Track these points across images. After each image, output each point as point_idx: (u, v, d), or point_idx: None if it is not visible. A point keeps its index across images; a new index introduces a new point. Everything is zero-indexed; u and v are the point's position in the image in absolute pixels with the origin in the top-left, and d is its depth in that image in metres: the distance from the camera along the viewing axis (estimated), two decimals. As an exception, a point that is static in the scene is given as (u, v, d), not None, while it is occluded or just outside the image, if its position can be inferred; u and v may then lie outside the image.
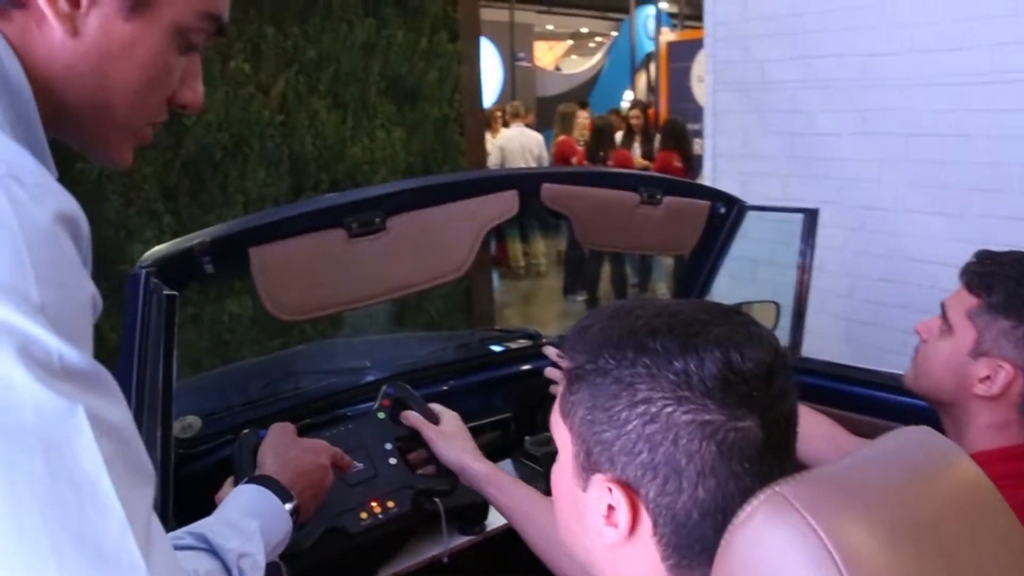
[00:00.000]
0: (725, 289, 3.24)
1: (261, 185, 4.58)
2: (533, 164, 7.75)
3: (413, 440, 1.44)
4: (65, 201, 0.62)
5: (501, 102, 11.72)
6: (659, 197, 1.87)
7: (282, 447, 1.22)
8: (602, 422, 0.74)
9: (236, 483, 1.23)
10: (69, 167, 4.12)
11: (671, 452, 0.71)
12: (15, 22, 0.67)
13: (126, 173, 4.16)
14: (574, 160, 6.89)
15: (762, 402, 0.71)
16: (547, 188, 1.70)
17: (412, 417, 1.42)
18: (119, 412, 0.61)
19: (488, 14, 13.59)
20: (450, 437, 1.39)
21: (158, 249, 1.35)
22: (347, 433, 1.43)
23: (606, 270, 6.93)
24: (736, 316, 0.76)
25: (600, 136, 6.62)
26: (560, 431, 0.80)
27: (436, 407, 1.46)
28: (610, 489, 0.73)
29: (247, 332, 4.32)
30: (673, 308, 0.76)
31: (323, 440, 1.33)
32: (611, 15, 15.66)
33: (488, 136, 8.74)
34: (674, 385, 0.70)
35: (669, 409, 0.70)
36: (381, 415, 1.48)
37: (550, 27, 16.97)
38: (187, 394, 1.83)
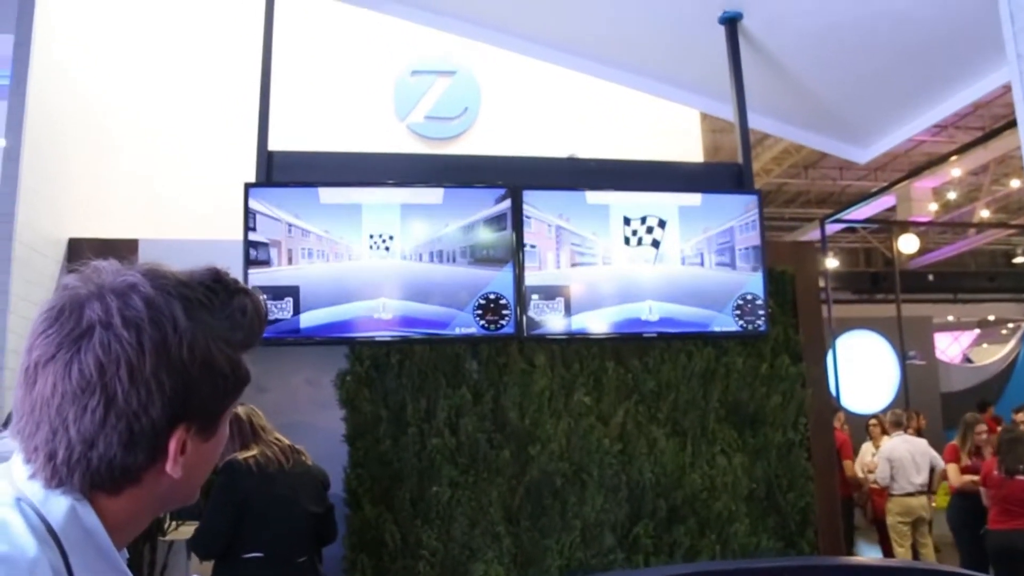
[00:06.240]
0: None
1: (599, 511, 4.73)
2: (926, 471, 7.16)
3: None
4: None
5: (896, 403, 11.07)
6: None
7: None
8: None
9: None
10: (424, 492, 4.58)
11: None
12: (122, 496, 0.88)
13: (474, 497, 4.56)
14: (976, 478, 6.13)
15: None
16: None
17: None
18: None
19: (881, 310, 13.21)
20: None
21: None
22: None
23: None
24: None
25: (1014, 449, 5.64)
26: None
27: None
28: None
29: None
30: None
31: None
32: (1022, 296, 14.40)
33: (869, 447, 8.25)
34: None
35: None
36: None
37: (950, 318, 15.93)
38: None
